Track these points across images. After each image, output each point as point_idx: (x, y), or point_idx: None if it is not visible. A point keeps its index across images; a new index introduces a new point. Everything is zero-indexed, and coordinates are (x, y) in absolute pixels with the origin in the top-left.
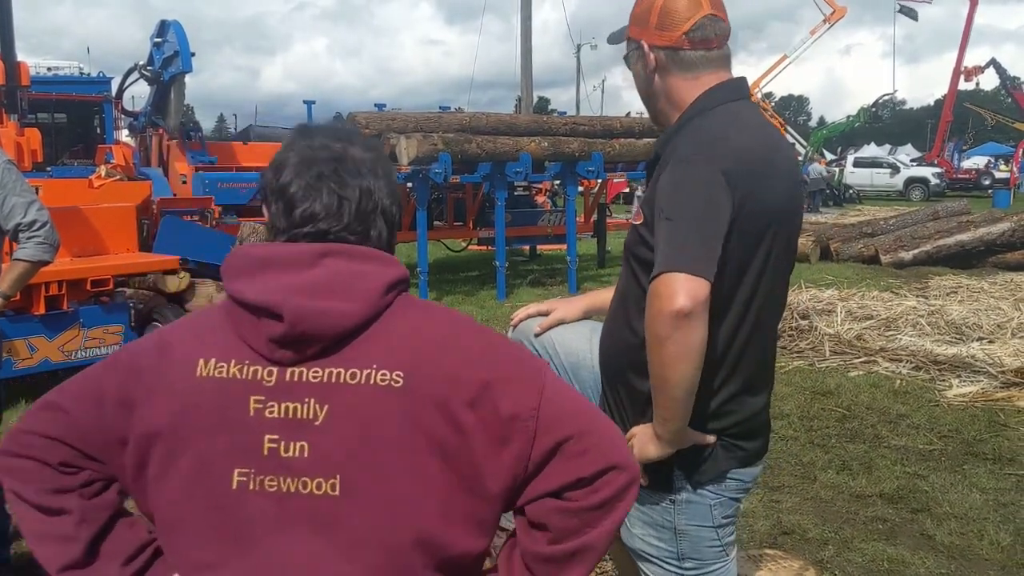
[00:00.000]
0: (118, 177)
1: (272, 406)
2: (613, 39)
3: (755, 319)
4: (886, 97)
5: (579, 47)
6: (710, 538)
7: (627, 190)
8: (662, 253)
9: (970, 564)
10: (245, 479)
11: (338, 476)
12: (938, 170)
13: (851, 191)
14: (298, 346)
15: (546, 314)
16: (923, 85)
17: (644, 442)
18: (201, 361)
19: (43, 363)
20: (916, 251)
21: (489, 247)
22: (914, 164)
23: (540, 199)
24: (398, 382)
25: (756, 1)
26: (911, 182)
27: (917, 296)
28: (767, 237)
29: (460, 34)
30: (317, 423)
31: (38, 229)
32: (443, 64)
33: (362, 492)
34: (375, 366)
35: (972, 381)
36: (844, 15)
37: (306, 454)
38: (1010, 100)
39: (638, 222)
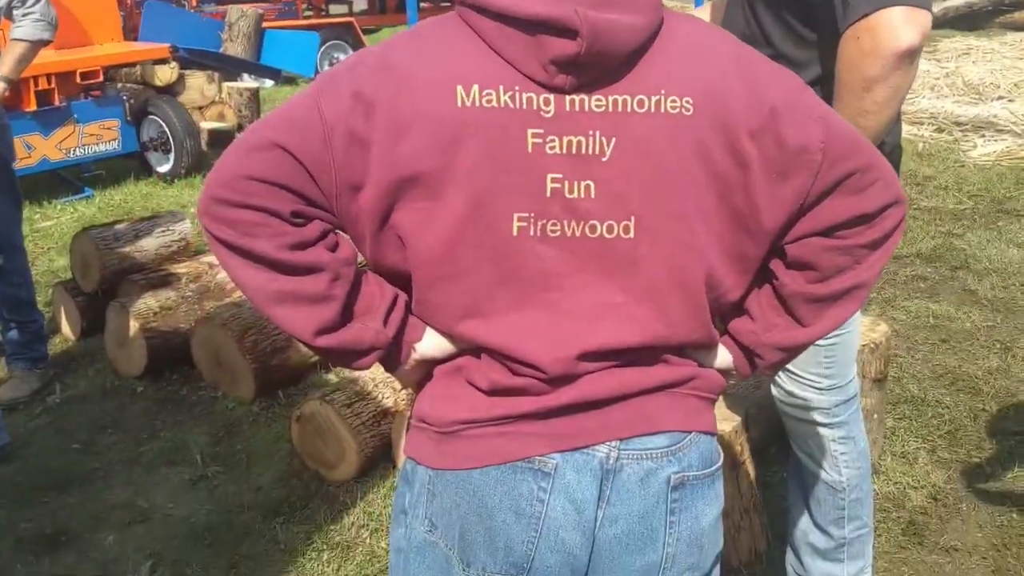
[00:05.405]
0: None
1: (552, 140)
2: None
3: None
4: None
5: None
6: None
7: None
8: None
9: (1015, 316)
10: (525, 224)
11: (632, 217)
12: None
13: None
14: (584, 69)
15: None
16: None
17: None
18: (460, 88)
19: (42, 162)
20: None
21: None
22: None
23: None
24: (688, 109)
25: None
26: None
27: (928, 59)
28: None
29: None
30: (604, 159)
31: (32, 5)
32: None
33: (659, 232)
34: (663, 91)
35: (996, 140)
36: None
37: (593, 194)
38: None
39: None
